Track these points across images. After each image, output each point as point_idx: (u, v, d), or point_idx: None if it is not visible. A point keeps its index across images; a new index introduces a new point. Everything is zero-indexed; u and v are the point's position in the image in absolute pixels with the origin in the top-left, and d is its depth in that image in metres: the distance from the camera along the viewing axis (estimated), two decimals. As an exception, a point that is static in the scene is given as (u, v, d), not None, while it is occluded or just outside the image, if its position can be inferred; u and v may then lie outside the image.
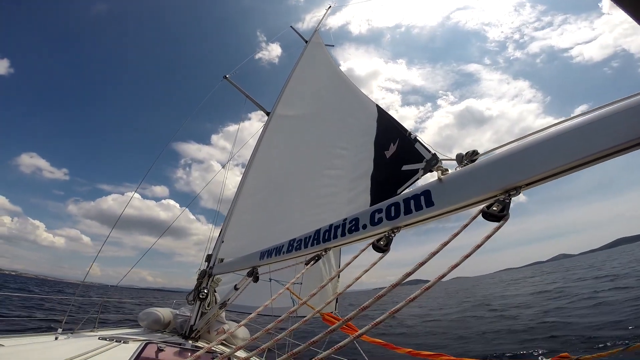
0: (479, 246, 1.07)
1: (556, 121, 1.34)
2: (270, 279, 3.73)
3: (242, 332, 5.20)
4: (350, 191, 2.95)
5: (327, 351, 1.01)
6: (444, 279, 1.10)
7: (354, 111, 3.87)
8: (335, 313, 3.78)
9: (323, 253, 1.94)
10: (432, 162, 1.97)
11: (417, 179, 2.14)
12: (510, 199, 1.19)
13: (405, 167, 2.16)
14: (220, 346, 4.79)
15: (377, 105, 3.20)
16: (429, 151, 2.11)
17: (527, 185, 1.20)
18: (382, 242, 1.49)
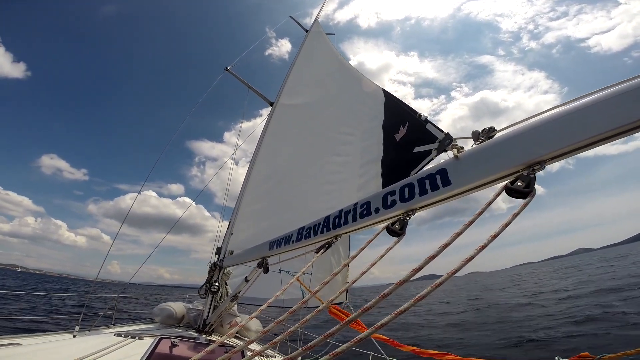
0: (506, 225, 0.99)
1: (580, 95, 1.25)
2: (280, 270, 3.71)
3: (255, 325, 5.23)
4: (361, 177, 2.88)
5: (345, 345, 0.95)
6: (459, 274, 1.02)
7: (359, 96, 3.77)
8: (346, 304, 3.75)
9: (334, 240, 1.88)
10: (446, 142, 1.88)
11: (431, 159, 2.05)
12: (535, 174, 1.11)
13: (417, 149, 2.07)
14: (233, 339, 4.83)
15: (383, 90, 3.09)
16: (442, 131, 2.02)
17: (551, 159, 1.12)
18: (397, 226, 1.42)
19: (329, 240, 1.89)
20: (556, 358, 1.95)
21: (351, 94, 4.33)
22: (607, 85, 1.09)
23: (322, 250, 1.91)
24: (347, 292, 4.13)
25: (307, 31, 8.36)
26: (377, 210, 1.57)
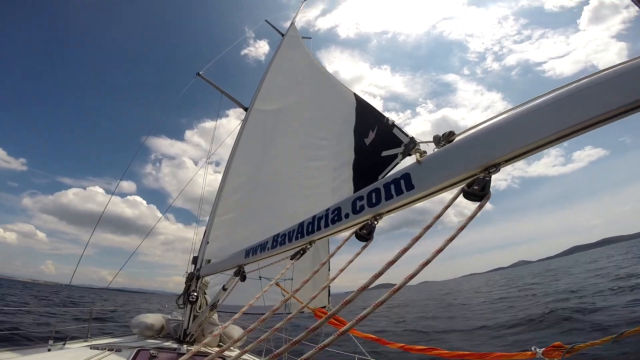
0: (462, 228, 1.04)
1: (532, 98, 1.33)
2: (260, 277, 3.68)
3: (238, 333, 5.14)
4: (334, 180, 2.92)
5: (312, 351, 0.97)
6: (411, 283, 1.07)
7: (332, 101, 3.81)
8: (329, 308, 3.76)
9: (308, 246, 1.89)
10: (410, 146, 1.94)
11: (397, 163, 2.12)
12: (490, 176, 1.17)
13: (384, 153, 2.13)
14: (216, 348, 4.74)
15: (354, 94, 3.15)
16: (407, 135, 2.10)
17: (506, 161, 1.18)
18: (364, 231, 1.45)
19: (304, 246, 1.91)
20: (532, 348, 2.06)
21: (325, 98, 4.36)
22: (555, 87, 1.15)
23: (297, 257, 1.92)
24: (329, 296, 4.15)
25: (283, 35, 8.34)
26: (347, 216, 1.60)
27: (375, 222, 1.47)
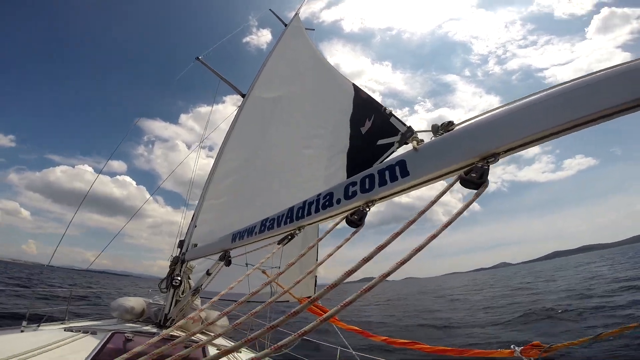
0: (459, 213, 1.02)
1: (534, 92, 1.31)
2: (247, 264, 3.63)
3: (220, 320, 5.09)
4: (328, 169, 2.88)
5: (291, 337, 0.94)
6: (395, 278, 1.04)
7: (331, 91, 3.76)
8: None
9: (297, 232, 1.85)
10: (407, 134, 1.91)
11: (393, 152, 2.09)
12: (489, 165, 1.14)
13: (380, 142, 2.09)
14: (199, 335, 4.68)
15: (353, 84, 3.11)
16: (404, 124, 2.06)
17: (505, 152, 1.17)
18: (355, 217, 1.41)
19: (292, 231, 1.86)
20: (512, 346, 2.08)
21: (325, 89, 4.31)
22: (555, 84, 1.15)
23: (284, 241, 1.88)
24: (315, 285, 4.13)
25: (286, 25, 8.24)
26: (338, 201, 1.56)
27: (367, 209, 1.43)
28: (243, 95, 6.37)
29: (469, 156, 1.18)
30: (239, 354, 4.42)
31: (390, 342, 2.90)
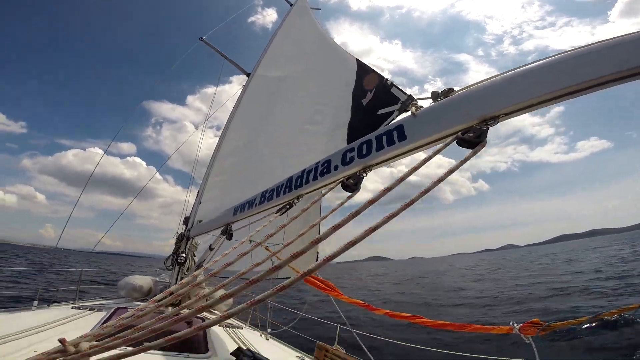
0: (452, 171, 1.01)
1: (535, 59, 1.28)
2: (251, 241, 3.68)
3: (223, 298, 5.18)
4: (329, 143, 2.88)
5: (270, 291, 0.95)
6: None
7: (335, 68, 3.71)
8: (317, 273, 3.77)
9: (295, 201, 1.86)
10: (407, 102, 1.89)
11: (392, 119, 2.06)
12: (488, 127, 1.13)
13: (381, 111, 2.08)
14: (205, 313, 4.79)
15: (357, 59, 3.06)
16: (405, 93, 2.03)
17: (505, 114, 1.16)
18: (351, 181, 1.41)
19: (291, 200, 1.87)
20: (511, 323, 2.10)
21: (329, 67, 4.23)
22: (553, 54, 1.14)
23: (282, 211, 1.89)
24: (317, 260, 4.17)
25: (291, 5, 8.08)
26: (336, 168, 1.56)
27: (365, 174, 1.43)
28: (248, 75, 6.32)
29: (468, 119, 1.16)
30: (240, 330, 4.55)
31: (392, 316, 2.94)
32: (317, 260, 4.28)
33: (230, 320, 4.58)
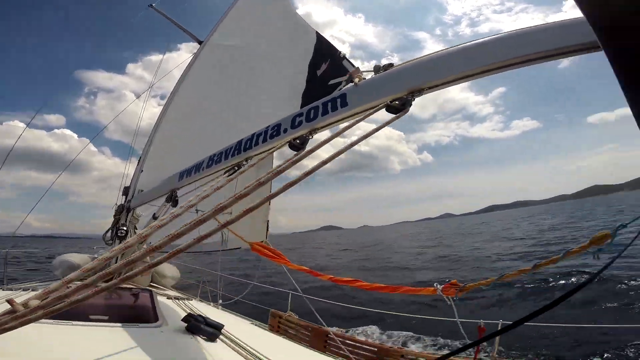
0: (377, 130, 1.18)
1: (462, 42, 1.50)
2: (197, 210, 3.62)
3: (171, 271, 5.02)
4: (283, 110, 2.96)
5: (188, 242, 1.01)
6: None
7: (294, 38, 3.73)
8: (266, 242, 3.86)
9: (244, 162, 1.92)
10: (354, 74, 2.05)
11: (340, 89, 2.22)
12: (414, 98, 1.32)
13: (331, 82, 2.23)
14: (155, 286, 4.59)
15: (317, 32, 3.15)
16: (353, 66, 2.21)
17: (429, 88, 1.35)
18: (298, 141, 1.54)
19: (239, 162, 1.93)
20: (435, 284, 2.34)
21: (288, 36, 4.21)
22: (477, 38, 1.37)
23: (231, 172, 1.95)
24: (267, 231, 4.25)
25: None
26: (285, 131, 1.67)
27: (310, 137, 1.56)
28: (200, 42, 5.97)
29: (398, 90, 1.36)
30: (190, 301, 4.50)
31: (335, 280, 3.18)
32: (267, 229, 4.34)
33: (179, 293, 4.48)
